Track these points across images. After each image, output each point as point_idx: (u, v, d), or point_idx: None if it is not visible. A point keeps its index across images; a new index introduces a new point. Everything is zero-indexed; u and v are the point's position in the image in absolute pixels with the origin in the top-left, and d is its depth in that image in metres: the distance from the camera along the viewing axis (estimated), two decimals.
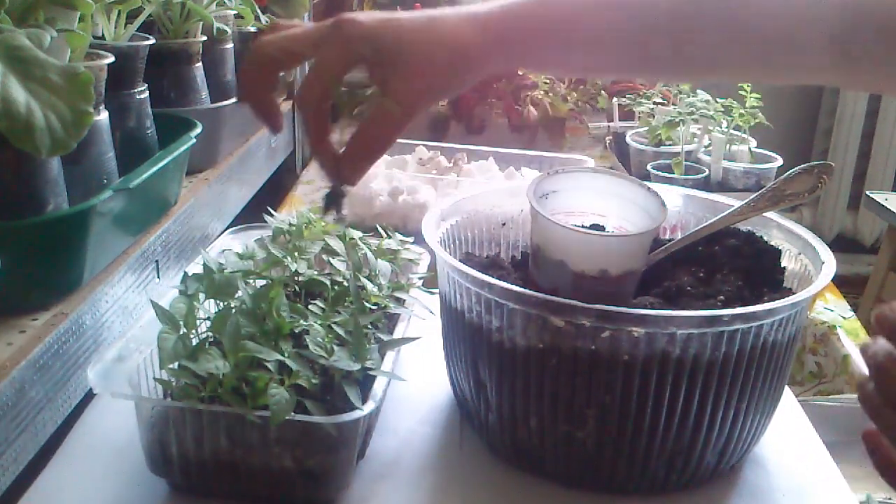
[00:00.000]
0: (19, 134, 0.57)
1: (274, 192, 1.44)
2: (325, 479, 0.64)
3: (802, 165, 0.78)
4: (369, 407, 0.62)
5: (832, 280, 0.70)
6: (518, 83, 1.69)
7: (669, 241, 0.80)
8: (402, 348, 0.73)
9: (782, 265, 0.78)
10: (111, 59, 0.77)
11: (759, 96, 1.56)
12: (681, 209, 0.87)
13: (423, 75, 0.59)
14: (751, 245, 0.79)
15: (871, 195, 2.14)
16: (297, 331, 0.67)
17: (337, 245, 0.80)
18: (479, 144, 1.38)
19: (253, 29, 1.26)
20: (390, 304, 0.77)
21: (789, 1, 0.60)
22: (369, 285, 0.76)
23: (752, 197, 0.79)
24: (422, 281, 0.84)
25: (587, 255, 0.69)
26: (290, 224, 0.83)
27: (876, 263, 2.24)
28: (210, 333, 0.68)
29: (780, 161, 1.52)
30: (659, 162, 1.55)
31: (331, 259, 0.79)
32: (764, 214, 0.80)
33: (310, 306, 0.70)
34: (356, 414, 0.61)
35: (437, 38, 0.59)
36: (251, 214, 1.11)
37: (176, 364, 0.62)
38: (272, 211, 0.87)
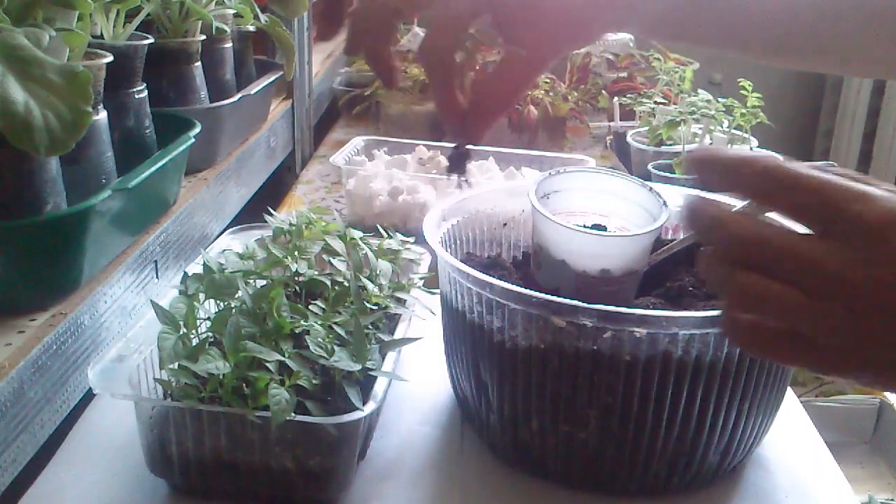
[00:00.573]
0: (18, 133, 0.57)
1: (274, 192, 1.44)
2: (326, 479, 0.64)
3: None
4: (370, 407, 0.62)
5: None
6: None
7: (671, 241, 0.80)
8: (403, 349, 0.73)
9: None
10: (110, 58, 0.77)
11: (759, 96, 1.55)
12: (682, 209, 0.87)
13: (554, 23, 0.55)
14: None
15: None
16: (297, 331, 0.67)
17: (337, 245, 0.80)
18: (478, 144, 1.38)
19: (252, 28, 1.26)
20: (391, 304, 0.77)
21: None
22: (370, 285, 0.76)
23: None
24: (422, 281, 0.83)
25: (589, 256, 0.69)
26: (291, 224, 0.83)
27: None
28: (210, 333, 0.68)
29: None
30: (660, 162, 1.55)
31: (331, 259, 0.79)
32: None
33: (310, 306, 0.70)
34: (357, 414, 0.61)
35: None
36: (251, 214, 1.10)
37: (176, 364, 0.61)
38: (272, 211, 0.87)
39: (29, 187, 0.66)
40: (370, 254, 0.80)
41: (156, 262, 0.87)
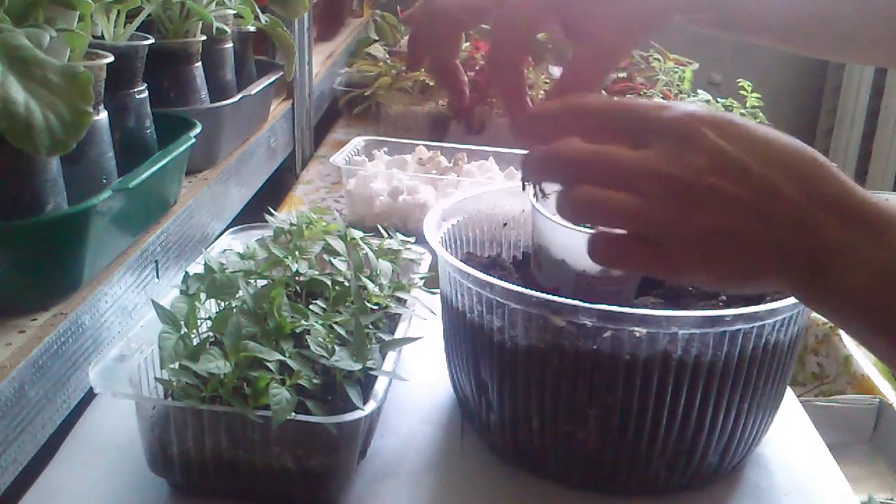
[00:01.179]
0: (18, 134, 0.57)
1: (274, 192, 1.44)
2: (327, 479, 0.64)
3: None
4: (370, 407, 0.62)
5: None
6: None
7: None
8: (404, 348, 0.73)
9: None
10: (110, 58, 0.77)
11: (759, 96, 1.56)
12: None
13: (618, 19, 0.54)
14: None
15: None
16: (298, 331, 0.67)
17: (338, 245, 0.80)
18: (479, 144, 1.38)
19: (252, 29, 1.26)
20: (391, 304, 0.77)
21: None
22: (370, 285, 0.76)
23: None
24: (423, 281, 0.84)
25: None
26: (291, 224, 0.83)
27: None
28: (211, 333, 0.68)
29: None
30: None
31: (332, 259, 0.79)
32: None
33: (311, 306, 0.70)
34: (357, 414, 0.61)
35: None
36: (251, 214, 1.11)
37: (177, 364, 0.62)
38: (273, 211, 0.87)
39: (29, 187, 0.66)
40: (370, 254, 0.81)
41: (156, 261, 0.87)
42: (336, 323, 0.68)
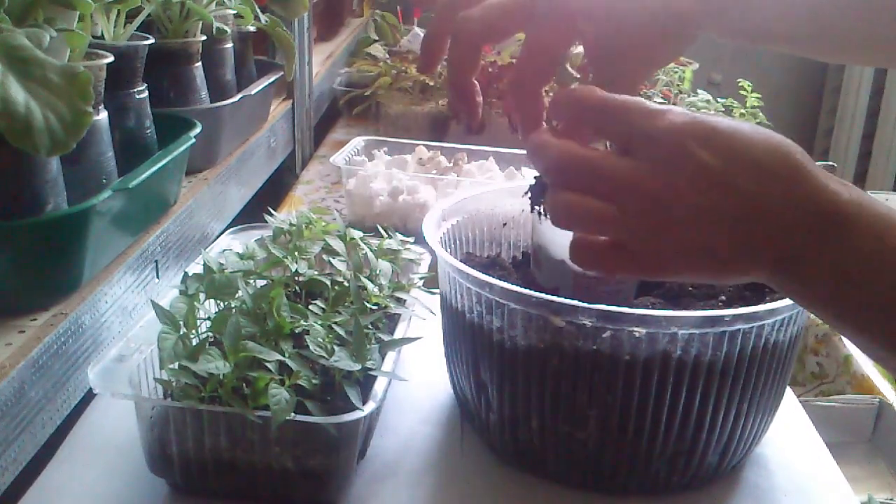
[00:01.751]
0: (18, 134, 0.57)
1: (274, 192, 1.44)
2: (326, 479, 0.64)
3: None
4: (370, 407, 0.62)
5: None
6: None
7: None
8: (403, 348, 0.73)
9: None
10: (110, 58, 0.77)
11: (759, 96, 1.56)
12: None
13: (639, 48, 0.55)
14: None
15: (872, 195, 2.14)
16: (297, 331, 0.67)
17: (337, 245, 0.80)
18: (479, 144, 1.38)
19: (252, 29, 1.26)
20: (391, 304, 0.77)
21: None
22: (370, 285, 0.76)
23: None
24: (422, 281, 0.84)
25: None
26: (291, 224, 0.83)
27: None
28: (210, 333, 0.68)
29: None
30: None
31: (331, 259, 0.79)
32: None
33: (310, 306, 0.70)
34: (357, 414, 0.61)
35: (654, 7, 0.55)
36: (251, 214, 1.11)
37: (176, 364, 0.62)
38: (272, 211, 0.87)
39: (29, 187, 0.66)
40: (370, 254, 0.81)
41: (156, 262, 0.87)
42: (335, 323, 0.68)
